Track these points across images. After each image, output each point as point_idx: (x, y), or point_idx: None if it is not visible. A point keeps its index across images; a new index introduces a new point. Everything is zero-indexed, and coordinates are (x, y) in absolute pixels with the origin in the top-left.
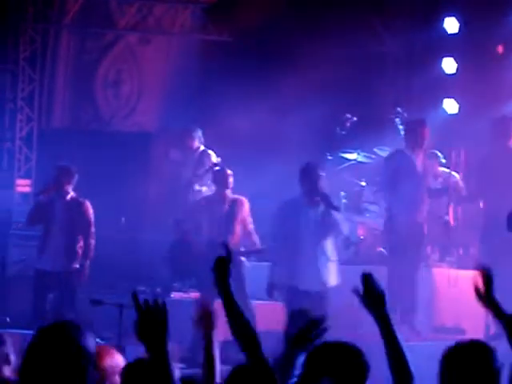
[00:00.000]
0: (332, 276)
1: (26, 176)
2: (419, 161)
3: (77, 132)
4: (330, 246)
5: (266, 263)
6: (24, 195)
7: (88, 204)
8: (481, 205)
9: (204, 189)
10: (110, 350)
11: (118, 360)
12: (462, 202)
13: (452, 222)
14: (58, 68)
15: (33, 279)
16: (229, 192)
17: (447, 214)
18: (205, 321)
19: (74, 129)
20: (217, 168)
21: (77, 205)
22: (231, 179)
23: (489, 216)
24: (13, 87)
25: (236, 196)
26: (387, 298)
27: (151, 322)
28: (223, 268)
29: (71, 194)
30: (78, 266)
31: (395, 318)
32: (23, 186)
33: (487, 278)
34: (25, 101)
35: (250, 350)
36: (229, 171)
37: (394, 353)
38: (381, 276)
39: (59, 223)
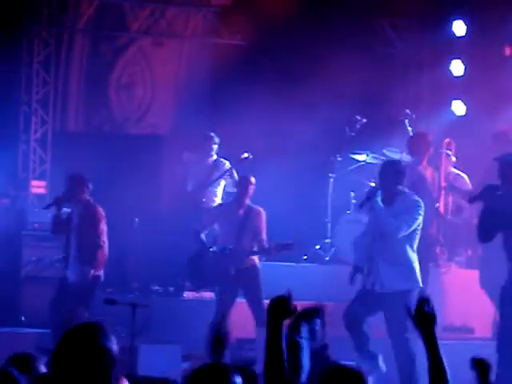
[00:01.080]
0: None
1: (41, 177)
2: (428, 173)
3: (90, 134)
4: (405, 246)
5: (280, 263)
6: (38, 196)
7: (98, 212)
8: None
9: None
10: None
11: None
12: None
13: (442, 209)
14: (72, 71)
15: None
16: (247, 200)
17: (438, 201)
18: (219, 345)
19: (88, 131)
20: (225, 165)
21: (88, 213)
22: (252, 187)
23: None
24: (27, 90)
25: (253, 205)
26: None
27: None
28: (280, 309)
29: (86, 201)
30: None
31: None
32: (38, 187)
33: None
34: (39, 103)
35: None
36: (252, 179)
37: (436, 372)
38: None
39: (74, 233)
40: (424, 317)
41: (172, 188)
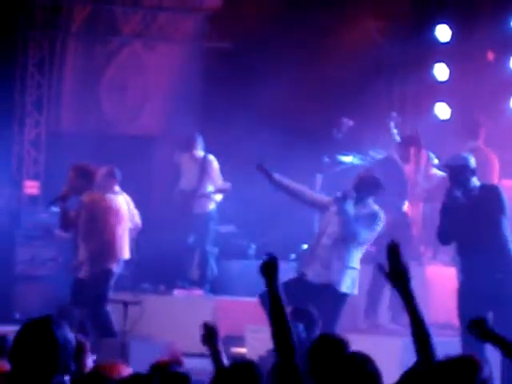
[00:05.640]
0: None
1: (35, 178)
2: (408, 167)
3: (83, 136)
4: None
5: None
6: (32, 196)
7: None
8: None
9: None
10: (116, 367)
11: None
12: None
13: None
14: (66, 73)
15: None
16: None
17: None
18: (210, 337)
19: (81, 132)
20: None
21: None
22: None
23: None
24: (21, 92)
25: None
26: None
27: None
28: (270, 271)
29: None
30: None
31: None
32: (31, 187)
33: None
34: (33, 105)
35: (284, 357)
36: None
37: (417, 328)
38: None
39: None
40: (398, 270)
41: (163, 188)
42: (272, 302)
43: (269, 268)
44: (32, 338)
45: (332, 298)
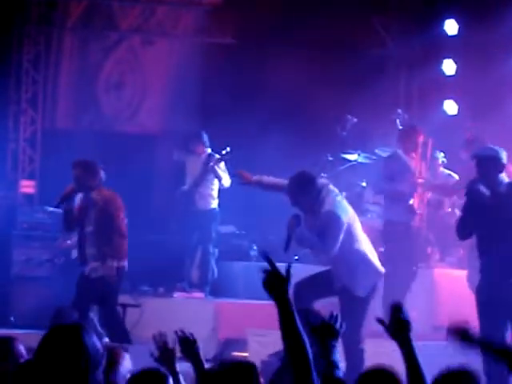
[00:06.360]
0: None
1: (30, 177)
2: (414, 165)
3: (80, 133)
4: None
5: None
6: (28, 196)
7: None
8: None
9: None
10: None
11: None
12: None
13: (417, 205)
14: (62, 70)
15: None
16: None
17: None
18: (188, 349)
19: (78, 130)
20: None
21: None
22: None
23: None
24: (17, 89)
25: None
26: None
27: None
28: (277, 282)
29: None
30: None
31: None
32: (27, 186)
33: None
34: (28, 102)
35: (301, 373)
36: None
37: (415, 378)
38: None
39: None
40: (400, 325)
41: (163, 187)
42: (285, 326)
43: (276, 283)
44: (61, 344)
45: (343, 299)
